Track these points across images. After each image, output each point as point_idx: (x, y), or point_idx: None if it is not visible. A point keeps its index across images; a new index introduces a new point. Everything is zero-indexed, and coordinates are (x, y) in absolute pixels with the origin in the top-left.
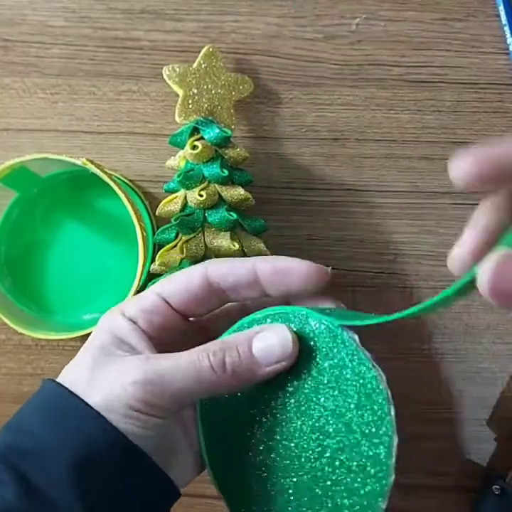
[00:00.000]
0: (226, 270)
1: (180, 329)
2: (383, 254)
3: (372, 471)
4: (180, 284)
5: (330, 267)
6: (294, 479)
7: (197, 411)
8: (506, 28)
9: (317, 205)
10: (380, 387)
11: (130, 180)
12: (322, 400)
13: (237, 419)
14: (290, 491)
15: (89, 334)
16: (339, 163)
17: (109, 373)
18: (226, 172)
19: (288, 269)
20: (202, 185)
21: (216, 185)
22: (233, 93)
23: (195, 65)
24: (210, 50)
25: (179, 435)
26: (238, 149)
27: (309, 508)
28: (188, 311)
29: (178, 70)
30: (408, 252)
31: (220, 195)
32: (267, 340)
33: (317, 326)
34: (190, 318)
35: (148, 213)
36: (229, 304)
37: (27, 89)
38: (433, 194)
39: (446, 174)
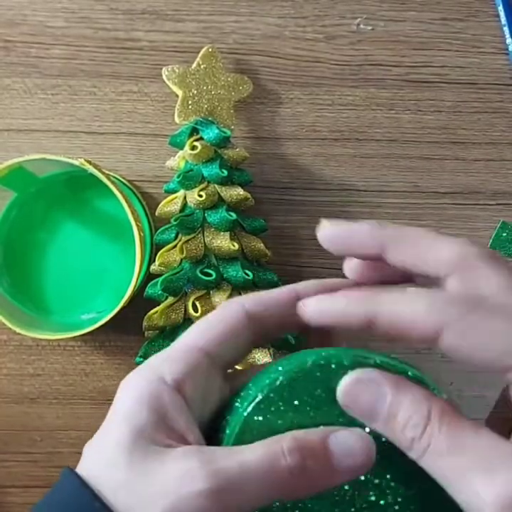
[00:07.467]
0: (266, 298)
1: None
2: None
3: None
4: (220, 328)
5: None
6: None
7: None
8: (506, 28)
9: (317, 205)
10: None
11: (130, 181)
12: None
13: None
14: None
15: (86, 334)
16: (339, 164)
17: (157, 478)
18: (225, 172)
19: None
20: (201, 186)
21: (216, 186)
22: (233, 93)
23: (194, 65)
24: (209, 50)
25: None
26: (238, 149)
27: None
28: (230, 362)
29: (177, 70)
30: None
31: (219, 196)
32: (345, 442)
33: None
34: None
35: (146, 213)
36: None
37: (28, 90)
38: (433, 194)
39: (446, 174)
